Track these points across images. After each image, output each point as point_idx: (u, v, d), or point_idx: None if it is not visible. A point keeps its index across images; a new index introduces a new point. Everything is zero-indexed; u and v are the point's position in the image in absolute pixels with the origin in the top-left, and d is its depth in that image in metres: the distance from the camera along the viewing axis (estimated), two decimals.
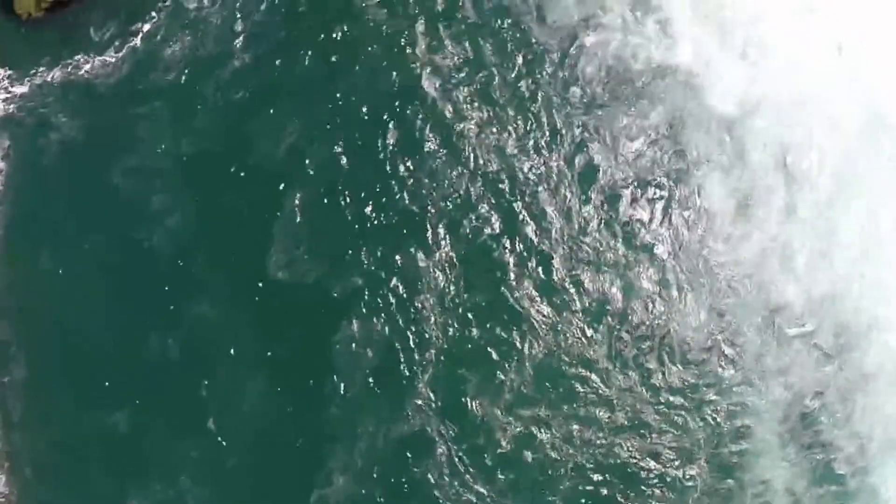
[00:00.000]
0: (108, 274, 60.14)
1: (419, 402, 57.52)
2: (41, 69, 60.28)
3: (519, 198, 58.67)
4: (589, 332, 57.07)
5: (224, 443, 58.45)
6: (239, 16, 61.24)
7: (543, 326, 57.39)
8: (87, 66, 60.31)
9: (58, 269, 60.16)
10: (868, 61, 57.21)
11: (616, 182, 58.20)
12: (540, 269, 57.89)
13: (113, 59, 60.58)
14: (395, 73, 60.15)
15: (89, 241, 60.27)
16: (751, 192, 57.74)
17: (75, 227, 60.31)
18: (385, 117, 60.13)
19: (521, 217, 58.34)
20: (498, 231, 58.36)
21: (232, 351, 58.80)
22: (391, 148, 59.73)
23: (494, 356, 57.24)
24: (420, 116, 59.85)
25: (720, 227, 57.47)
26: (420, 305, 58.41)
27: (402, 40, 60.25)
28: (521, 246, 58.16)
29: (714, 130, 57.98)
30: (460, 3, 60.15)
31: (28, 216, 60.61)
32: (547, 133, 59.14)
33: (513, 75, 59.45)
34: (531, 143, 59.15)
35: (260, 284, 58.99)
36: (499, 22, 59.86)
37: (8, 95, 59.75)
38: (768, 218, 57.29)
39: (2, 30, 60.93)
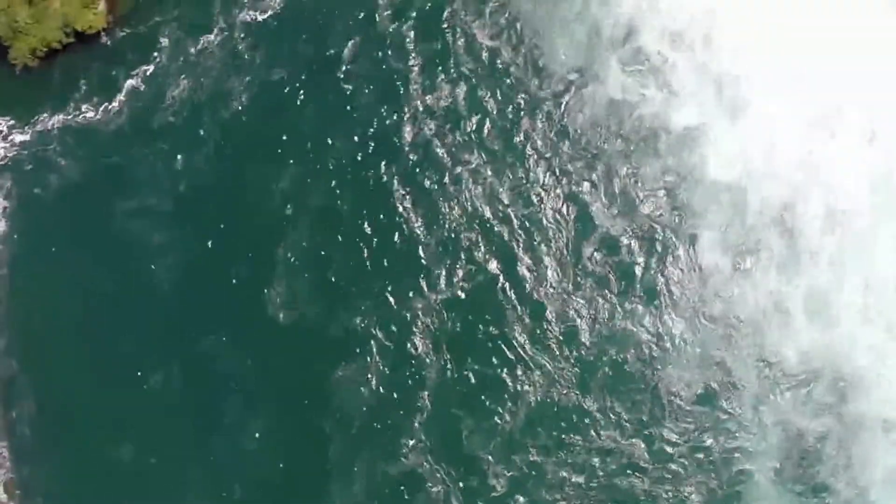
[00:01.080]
0: (113, 310, 61.35)
1: (415, 441, 57.95)
2: (42, 116, 61.65)
3: (514, 244, 58.44)
4: (583, 379, 56.73)
5: (226, 476, 59.68)
6: (238, 60, 62.00)
7: (538, 371, 57.15)
8: (88, 112, 61.41)
9: (63, 307, 61.83)
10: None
11: (611, 232, 57.59)
12: (534, 314, 57.66)
13: (112, 104, 61.67)
14: (390, 116, 60.24)
15: (93, 278, 61.66)
16: (748, 247, 56.69)
17: (79, 265, 61.78)
18: (381, 159, 60.44)
19: (516, 263, 58.12)
20: (493, 276, 58.23)
21: (234, 386, 59.97)
22: (388, 190, 59.88)
23: (489, 399, 57.31)
24: (416, 160, 60.02)
25: (716, 281, 56.61)
26: (416, 347, 58.57)
27: (399, 84, 60.47)
28: (517, 291, 57.89)
29: (711, 187, 57.14)
30: (456, 50, 60.12)
31: (32, 254, 62.24)
32: (542, 180, 58.80)
33: (508, 121, 59.24)
34: (526, 189, 58.84)
35: (260, 323, 60.02)
36: (494, 68, 59.78)
37: (9, 144, 61.23)
38: (766, 274, 56.20)
39: (1, 77, 62.50)
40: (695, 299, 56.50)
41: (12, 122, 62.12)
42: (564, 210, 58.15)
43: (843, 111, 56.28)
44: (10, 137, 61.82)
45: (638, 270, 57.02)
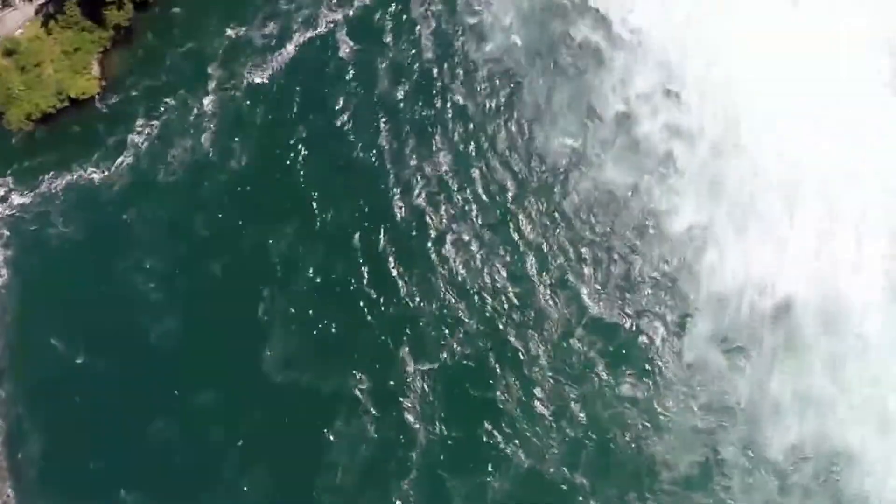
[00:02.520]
0: (113, 362, 62.51)
1: (402, 501, 60.21)
2: (42, 177, 62.25)
3: (506, 318, 59.10)
4: (570, 453, 57.76)
5: None
6: (236, 122, 62.48)
7: (526, 442, 58.22)
8: (87, 173, 61.85)
9: (65, 358, 62.74)
10: None
11: (603, 316, 58.18)
12: (525, 388, 58.50)
13: (110, 165, 62.17)
14: (386, 182, 60.69)
15: (93, 332, 62.86)
16: (739, 338, 57.22)
17: (79, 319, 62.91)
18: (377, 226, 60.95)
19: (508, 337, 58.99)
20: (484, 348, 59.24)
21: (228, 442, 61.20)
22: (382, 257, 60.55)
23: (475, 464, 58.57)
24: (410, 228, 60.49)
25: (707, 369, 57.27)
26: (406, 410, 59.64)
27: (395, 150, 60.67)
28: (507, 364, 58.78)
29: (708, 280, 57.48)
30: (451, 122, 60.15)
31: (35, 306, 63.40)
32: (536, 259, 59.22)
33: (504, 195, 59.66)
34: (520, 266, 59.26)
35: (255, 382, 61.12)
36: (488, 145, 59.94)
37: (9, 205, 62.06)
38: (758, 366, 56.79)
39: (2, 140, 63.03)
40: (685, 386, 57.12)
41: (13, 183, 62.87)
42: (557, 289, 58.77)
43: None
44: (10, 199, 62.61)
45: (629, 354, 57.76)
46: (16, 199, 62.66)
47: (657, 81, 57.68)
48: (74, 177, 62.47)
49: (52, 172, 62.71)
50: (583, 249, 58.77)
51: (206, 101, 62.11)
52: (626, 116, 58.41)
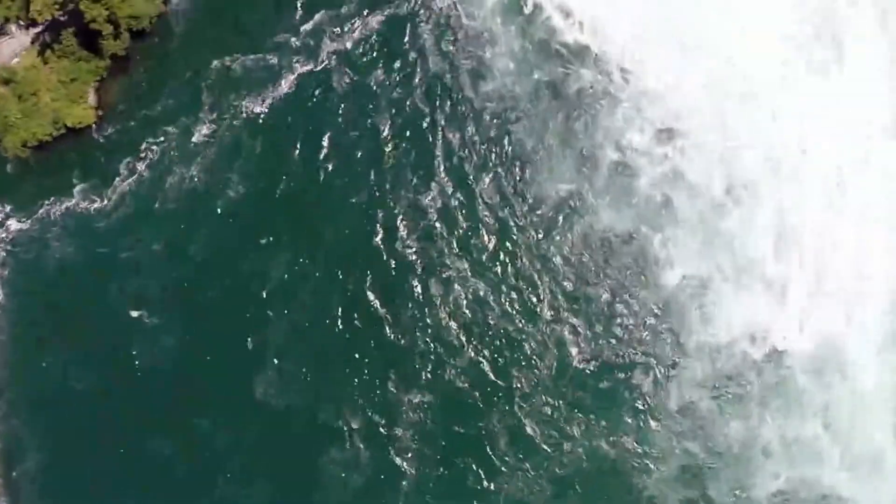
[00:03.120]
0: (110, 386, 62.84)
1: None
2: (40, 204, 62.10)
3: (499, 355, 59.34)
4: (559, 489, 58.36)
5: None
6: (237, 150, 62.20)
7: (515, 477, 58.70)
8: (84, 200, 61.76)
9: (63, 379, 63.09)
10: None
11: (593, 357, 58.49)
12: (514, 425, 58.80)
13: (108, 193, 62.01)
14: (382, 217, 60.60)
15: (91, 355, 63.07)
16: (730, 385, 57.49)
17: (77, 343, 63.03)
18: (372, 260, 60.92)
19: (498, 374, 59.22)
20: (476, 383, 59.48)
21: (224, 467, 61.81)
22: (377, 289, 60.58)
23: (464, 499, 59.31)
24: (405, 262, 60.43)
25: (695, 413, 57.56)
26: (398, 439, 60.10)
27: (390, 187, 60.47)
28: (498, 401, 59.05)
29: (700, 330, 57.80)
30: (445, 165, 60.15)
31: (33, 327, 63.59)
32: (530, 298, 59.22)
33: (493, 239, 59.57)
34: (512, 306, 59.27)
35: (250, 407, 61.43)
36: (483, 185, 59.88)
37: (6, 231, 62.13)
38: (748, 410, 57.18)
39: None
40: (674, 430, 57.48)
41: (9, 209, 62.93)
42: (549, 331, 59.01)
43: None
44: (7, 224, 62.67)
45: (619, 396, 58.08)
46: (13, 224, 62.76)
47: (657, 130, 57.82)
48: (71, 203, 62.44)
49: (49, 199, 62.70)
50: (575, 292, 59.05)
51: (204, 130, 61.99)
52: (623, 165, 58.49)
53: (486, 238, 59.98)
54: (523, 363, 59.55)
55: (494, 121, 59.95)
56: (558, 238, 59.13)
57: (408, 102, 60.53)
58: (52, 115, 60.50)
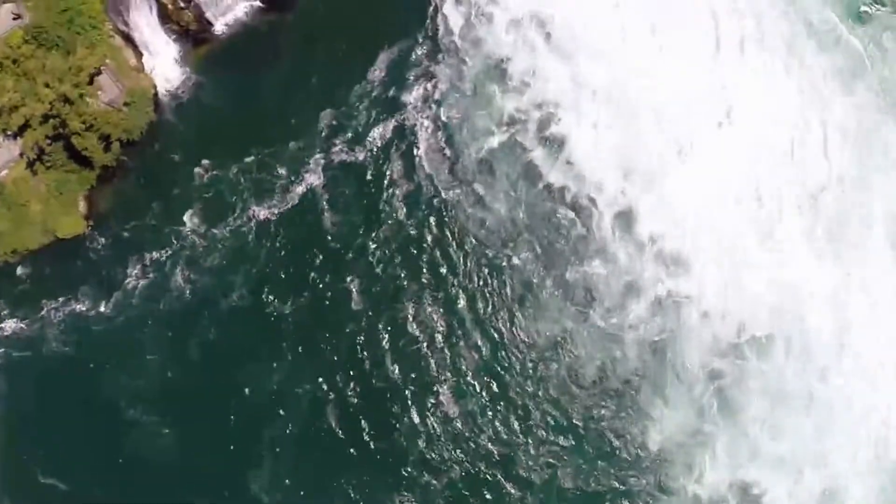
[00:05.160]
0: (102, 487, 63.07)
1: None
2: (35, 308, 61.54)
3: (487, 474, 60.34)
4: None
5: None
6: (240, 256, 62.25)
7: None
8: (76, 306, 61.41)
9: (64, 474, 63.22)
10: None
11: (579, 488, 59.58)
12: None
13: (101, 298, 61.60)
14: (376, 333, 61.25)
15: (91, 452, 63.12)
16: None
17: (78, 438, 62.92)
18: (367, 374, 61.51)
19: (488, 489, 60.31)
20: (468, 496, 60.56)
21: None
22: (371, 403, 61.29)
23: None
24: (398, 380, 61.14)
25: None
26: None
27: (392, 302, 61.31)
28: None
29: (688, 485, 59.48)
30: (442, 287, 61.13)
31: (25, 432, 63.33)
32: (515, 422, 60.23)
33: (485, 368, 60.51)
34: (501, 428, 60.10)
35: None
36: (479, 314, 60.96)
37: (2, 332, 61.99)
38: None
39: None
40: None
41: (7, 311, 62.37)
42: (537, 455, 60.16)
43: None
44: (2, 326, 62.22)
45: None
46: (9, 325, 62.17)
47: (662, 291, 59.47)
48: (68, 306, 62.04)
49: (39, 304, 62.08)
50: (564, 422, 60.50)
51: (196, 237, 61.84)
52: (621, 326, 60.06)
53: (476, 362, 61.23)
54: (510, 493, 61.17)
55: (492, 252, 60.93)
56: (549, 374, 60.70)
57: (410, 222, 61.16)
58: (42, 224, 59.70)
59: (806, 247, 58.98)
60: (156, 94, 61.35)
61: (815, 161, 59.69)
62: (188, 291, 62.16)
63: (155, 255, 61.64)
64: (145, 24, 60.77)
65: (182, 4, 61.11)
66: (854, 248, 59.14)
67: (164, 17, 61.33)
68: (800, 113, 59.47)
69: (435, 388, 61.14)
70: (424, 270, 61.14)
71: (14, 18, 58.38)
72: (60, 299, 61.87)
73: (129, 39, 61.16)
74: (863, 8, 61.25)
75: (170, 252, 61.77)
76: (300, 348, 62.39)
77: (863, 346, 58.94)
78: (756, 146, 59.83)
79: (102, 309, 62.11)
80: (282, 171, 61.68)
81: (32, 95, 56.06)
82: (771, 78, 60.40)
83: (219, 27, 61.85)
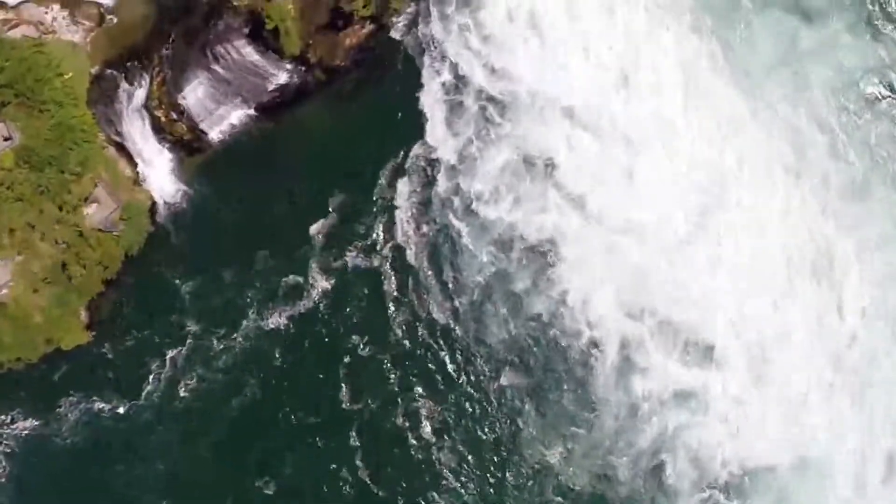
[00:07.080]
0: None
1: None
2: (47, 409, 61.87)
3: None
4: None
5: None
6: (250, 358, 62.85)
7: None
8: (81, 410, 61.99)
9: None
10: None
11: None
12: None
13: (109, 401, 62.22)
14: (377, 434, 62.33)
15: None
16: None
17: None
18: (371, 459, 62.66)
19: None
20: None
21: None
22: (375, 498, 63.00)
23: None
24: (403, 460, 62.56)
25: None
26: None
27: (397, 399, 62.45)
28: None
29: None
30: (447, 408, 62.60)
31: None
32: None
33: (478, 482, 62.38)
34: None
35: None
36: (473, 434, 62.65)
37: (9, 432, 62.85)
38: None
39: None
40: None
41: (17, 413, 62.98)
42: None
43: None
44: (14, 426, 62.95)
45: None
46: (20, 424, 62.81)
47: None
48: (76, 409, 62.75)
49: (51, 402, 62.55)
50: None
51: (194, 340, 62.75)
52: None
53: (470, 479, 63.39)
54: None
55: (488, 368, 62.40)
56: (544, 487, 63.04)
57: (419, 333, 62.34)
58: (44, 335, 60.13)
59: None
60: (153, 206, 60.98)
61: None
62: (188, 397, 63.18)
63: (152, 364, 62.30)
64: (139, 135, 60.06)
65: (175, 116, 60.09)
66: None
67: (158, 128, 60.52)
68: None
69: (430, 496, 63.12)
70: (435, 375, 62.82)
71: (4, 140, 57.44)
72: (71, 399, 62.34)
73: (122, 149, 60.42)
74: None
75: (168, 359, 62.54)
76: (305, 441, 63.94)
77: None
78: None
79: (118, 408, 62.91)
80: (280, 278, 61.98)
81: (30, 249, 56.43)
82: None
83: (213, 136, 61.13)
